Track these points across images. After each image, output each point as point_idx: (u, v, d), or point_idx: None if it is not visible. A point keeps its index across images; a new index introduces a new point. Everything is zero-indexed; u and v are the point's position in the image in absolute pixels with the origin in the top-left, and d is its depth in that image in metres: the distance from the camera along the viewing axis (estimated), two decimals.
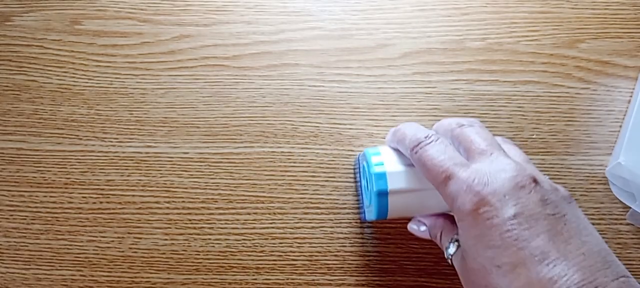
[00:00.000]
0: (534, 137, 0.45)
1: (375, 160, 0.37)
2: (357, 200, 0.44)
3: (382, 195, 0.36)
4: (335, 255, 0.44)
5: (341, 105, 0.46)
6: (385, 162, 0.37)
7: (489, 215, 0.29)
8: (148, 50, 0.47)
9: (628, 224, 0.44)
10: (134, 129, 0.46)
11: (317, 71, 0.47)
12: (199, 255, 0.44)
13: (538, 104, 0.46)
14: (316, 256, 0.44)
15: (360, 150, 0.45)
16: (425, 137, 0.34)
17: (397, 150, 0.38)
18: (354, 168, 0.45)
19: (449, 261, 0.34)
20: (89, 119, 0.46)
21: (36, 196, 0.45)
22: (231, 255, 0.44)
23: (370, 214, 0.39)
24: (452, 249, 0.34)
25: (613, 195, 0.44)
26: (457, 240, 0.34)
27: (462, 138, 0.34)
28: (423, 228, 0.38)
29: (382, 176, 0.36)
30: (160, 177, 0.45)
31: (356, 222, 0.44)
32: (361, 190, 0.43)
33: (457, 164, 0.31)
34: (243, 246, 0.44)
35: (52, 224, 0.44)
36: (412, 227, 0.39)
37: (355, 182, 0.44)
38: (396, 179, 0.36)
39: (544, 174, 0.34)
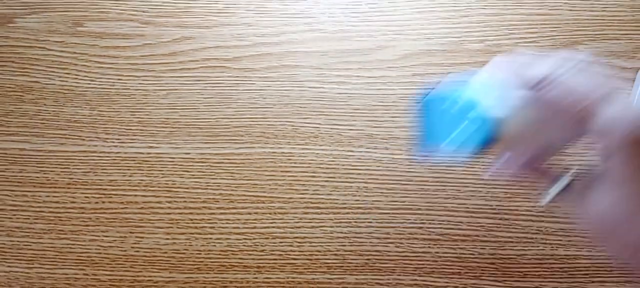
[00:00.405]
0: None
1: (481, 97, 0.32)
2: (357, 199, 0.45)
3: (491, 140, 0.32)
4: (335, 255, 0.44)
5: (341, 107, 0.46)
6: (494, 99, 0.32)
7: None
8: (150, 51, 0.48)
9: None
10: (136, 129, 0.46)
11: (317, 72, 0.47)
12: (200, 254, 0.44)
13: None
14: (316, 255, 0.44)
15: (360, 150, 0.46)
16: (559, 67, 0.31)
17: (497, 81, 0.33)
18: (419, 98, 0.38)
19: (546, 202, 0.32)
20: (92, 119, 0.47)
21: (39, 196, 0.45)
22: (232, 254, 0.44)
23: (463, 149, 0.34)
24: (558, 186, 0.32)
25: None
26: (574, 173, 0.32)
27: (590, 69, 0.31)
28: (514, 162, 0.34)
29: (491, 122, 0.32)
30: (162, 177, 0.45)
31: (356, 222, 0.44)
32: (432, 121, 0.37)
33: (603, 95, 0.29)
34: (244, 245, 0.44)
35: (55, 224, 0.45)
36: (496, 168, 0.35)
37: (417, 115, 0.38)
38: (512, 120, 0.32)
39: None
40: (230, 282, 0.44)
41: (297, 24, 0.48)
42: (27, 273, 0.44)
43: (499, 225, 0.44)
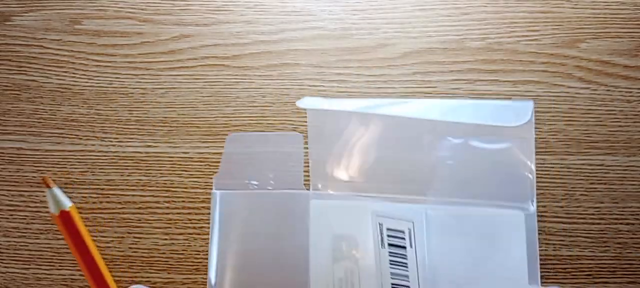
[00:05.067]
0: (533, 136, 0.45)
1: None
2: None
3: None
4: None
5: None
6: None
7: None
8: (148, 49, 0.47)
9: (628, 224, 0.44)
10: (134, 128, 0.46)
11: (317, 71, 0.47)
12: (199, 254, 0.44)
13: (538, 103, 0.46)
14: None
15: None
16: None
17: None
18: None
19: None
20: (89, 118, 0.46)
21: (36, 196, 0.45)
22: None
23: None
24: None
25: (614, 194, 0.44)
26: None
27: None
28: None
29: None
30: (160, 176, 0.45)
31: None
32: None
33: None
34: None
35: (52, 224, 0.44)
36: None
37: None
38: None
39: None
40: None
41: (296, 22, 0.48)
42: (24, 274, 0.44)
43: None
